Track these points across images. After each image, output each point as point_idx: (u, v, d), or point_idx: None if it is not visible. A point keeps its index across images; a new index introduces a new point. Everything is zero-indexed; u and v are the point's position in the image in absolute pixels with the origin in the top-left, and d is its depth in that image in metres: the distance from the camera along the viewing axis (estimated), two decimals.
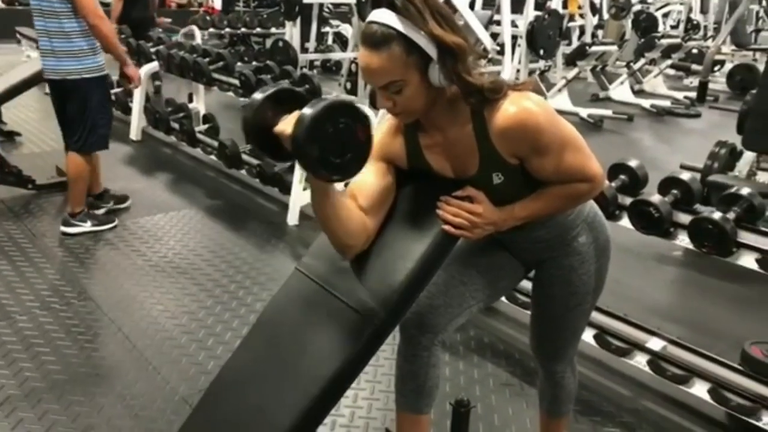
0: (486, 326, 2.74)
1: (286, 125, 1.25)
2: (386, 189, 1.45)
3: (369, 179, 1.44)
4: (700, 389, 2.20)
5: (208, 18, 9.39)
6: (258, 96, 1.31)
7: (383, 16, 1.25)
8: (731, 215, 2.26)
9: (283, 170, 4.03)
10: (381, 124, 1.52)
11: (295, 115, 1.23)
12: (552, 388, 1.78)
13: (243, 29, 9.28)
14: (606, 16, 9.87)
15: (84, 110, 3.34)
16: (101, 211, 3.70)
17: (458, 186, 1.42)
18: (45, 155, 4.84)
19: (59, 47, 3.22)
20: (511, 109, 1.30)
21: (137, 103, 5.39)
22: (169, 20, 9.51)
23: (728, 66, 9.45)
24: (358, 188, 1.43)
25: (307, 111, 1.20)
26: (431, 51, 1.26)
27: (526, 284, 2.10)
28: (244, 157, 4.33)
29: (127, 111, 5.60)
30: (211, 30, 9.24)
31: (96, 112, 3.38)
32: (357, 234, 1.39)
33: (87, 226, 3.50)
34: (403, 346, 1.56)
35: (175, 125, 4.96)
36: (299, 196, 3.81)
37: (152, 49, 5.47)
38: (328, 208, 1.34)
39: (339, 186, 1.37)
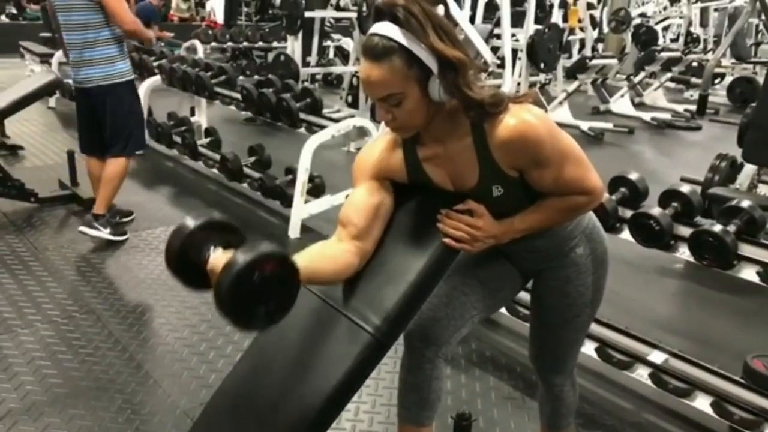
0: (488, 339, 2.74)
1: (213, 267, 1.20)
2: (380, 206, 1.45)
3: (361, 199, 1.44)
4: (702, 402, 2.19)
5: (210, 32, 9.45)
6: (189, 224, 1.26)
7: (385, 28, 1.26)
8: (732, 228, 2.26)
9: (284, 183, 4.05)
10: (378, 140, 1.52)
11: (226, 255, 1.18)
12: (551, 402, 1.77)
13: (245, 43, 9.33)
14: (606, 29, 9.94)
15: (123, 115, 3.49)
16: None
17: (458, 199, 1.42)
18: (48, 169, 4.86)
19: (89, 56, 3.35)
20: (511, 121, 1.31)
21: None
22: (171, 34, 9.59)
23: (728, 79, 9.48)
24: (351, 210, 1.43)
25: (223, 280, 1.13)
26: (432, 64, 1.27)
27: (527, 297, 2.10)
28: (246, 170, 4.35)
29: None
30: (214, 44, 9.29)
31: (131, 114, 3.55)
32: (351, 271, 1.40)
33: (105, 233, 3.52)
34: (406, 359, 1.56)
35: (177, 139, 4.99)
36: (300, 209, 3.82)
37: (155, 63, 5.51)
38: (317, 283, 1.38)
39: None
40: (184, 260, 1.26)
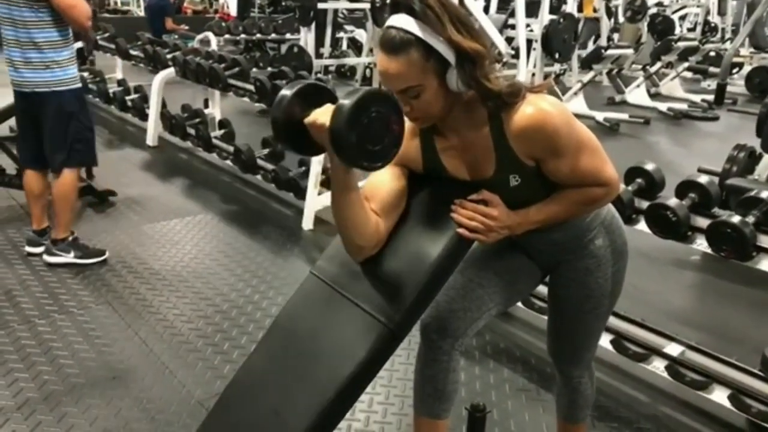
0: (502, 331, 2.73)
1: (318, 116, 1.27)
2: (399, 192, 1.45)
3: (384, 182, 1.44)
4: (719, 395, 2.18)
5: (223, 24, 9.48)
6: (287, 92, 1.32)
7: (402, 21, 1.25)
8: (750, 219, 2.23)
9: (298, 175, 4.05)
10: None
11: (327, 107, 1.26)
12: (569, 394, 1.76)
13: (258, 35, 9.34)
14: (622, 19, 9.82)
15: (64, 124, 3.07)
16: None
17: (473, 189, 1.41)
18: None
19: (28, 57, 2.96)
20: (528, 110, 1.30)
21: (153, 109, 5.44)
22: (186, 27, 9.61)
23: (747, 69, 9.36)
24: (372, 191, 1.43)
25: (345, 101, 1.21)
26: (449, 56, 1.26)
27: (542, 289, 2.09)
28: (260, 162, 4.36)
29: (144, 117, 5.66)
30: (227, 36, 9.32)
31: (73, 124, 3.09)
32: (369, 236, 1.39)
33: (69, 257, 3.19)
34: (423, 351, 1.56)
35: (191, 131, 5.00)
36: (314, 200, 3.82)
37: (168, 56, 5.52)
38: (348, 209, 1.35)
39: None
40: (291, 126, 1.32)
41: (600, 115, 6.96)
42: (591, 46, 8.98)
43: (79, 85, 3.16)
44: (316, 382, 1.36)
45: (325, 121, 1.24)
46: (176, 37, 8.54)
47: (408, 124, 1.45)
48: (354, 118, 1.21)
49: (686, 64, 8.55)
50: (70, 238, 3.24)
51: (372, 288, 1.40)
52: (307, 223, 3.83)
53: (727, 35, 10.11)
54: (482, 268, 1.58)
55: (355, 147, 1.23)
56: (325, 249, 1.57)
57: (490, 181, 1.40)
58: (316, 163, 3.76)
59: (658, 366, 2.32)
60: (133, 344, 2.56)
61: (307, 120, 1.29)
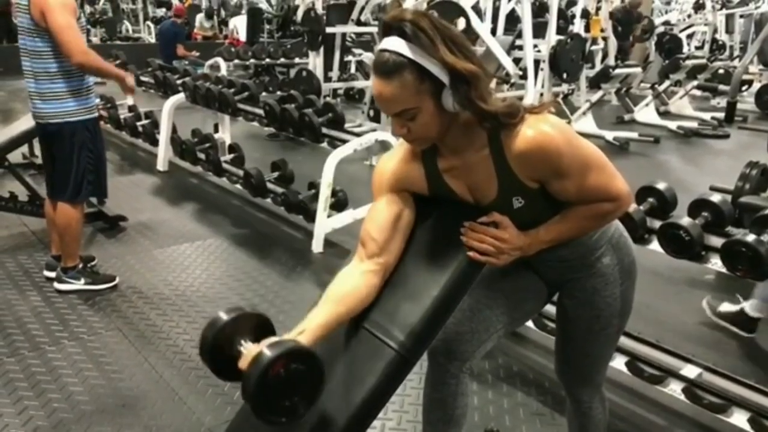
0: (515, 354, 2.69)
1: (245, 359, 1.23)
2: (400, 218, 1.43)
3: (380, 214, 1.42)
4: (739, 419, 2.13)
5: (233, 50, 9.59)
6: (222, 317, 1.30)
7: (394, 44, 1.25)
8: (765, 237, 2.20)
9: (307, 198, 4.05)
10: (395, 151, 1.50)
11: (256, 349, 1.22)
12: (579, 419, 1.73)
13: (267, 60, 9.44)
14: (629, 38, 9.84)
15: (70, 157, 3.03)
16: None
17: (483, 211, 1.40)
18: None
19: (40, 88, 2.94)
20: (528, 132, 1.28)
21: (164, 134, 5.48)
22: (197, 53, 9.72)
23: (756, 86, 9.33)
24: (371, 226, 1.42)
25: (263, 357, 1.18)
26: (443, 77, 1.25)
27: (554, 310, 2.06)
28: (269, 185, 4.37)
29: (154, 142, 5.70)
30: (236, 61, 9.42)
31: (82, 157, 3.05)
32: (375, 294, 1.39)
33: (80, 284, 3.18)
34: (431, 374, 1.54)
35: (202, 155, 5.03)
36: (324, 223, 3.82)
37: (179, 81, 5.57)
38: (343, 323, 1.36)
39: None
40: (217, 352, 1.30)
41: (609, 135, 6.95)
42: (599, 66, 9.01)
43: (94, 115, 3.12)
44: (328, 408, 1.34)
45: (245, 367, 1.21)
46: (186, 63, 8.64)
47: (407, 146, 1.45)
48: (264, 380, 1.17)
49: (695, 83, 8.53)
50: (80, 266, 3.23)
51: (382, 313, 1.38)
52: (317, 246, 3.82)
53: (736, 53, 10.11)
54: (490, 288, 1.57)
55: (269, 414, 1.21)
56: (335, 272, 1.55)
57: (493, 203, 1.39)
58: (326, 185, 3.76)
59: (674, 388, 2.28)
60: (143, 370, 2.55)
61: (240, 364, 1.25)
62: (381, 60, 1.25)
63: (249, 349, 1.25)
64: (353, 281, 1.38)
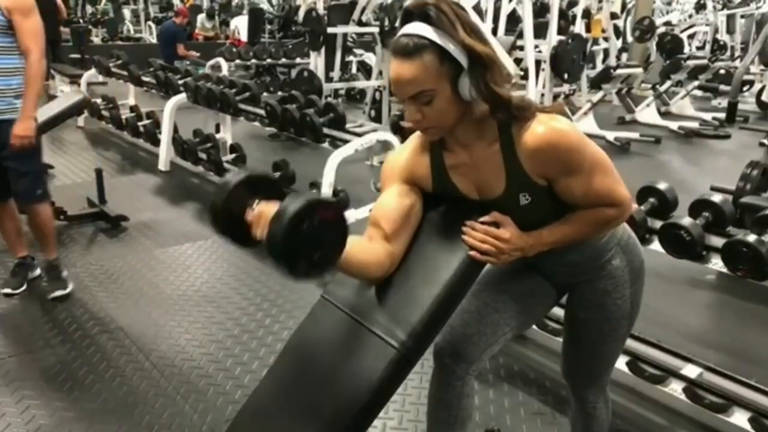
0: (516, 354, 2.69)
1: (259, 217, 1.24)
2: (409, 209, 1.43)
3: (391, 201, 1.43)
4: (740, 418, 2.13)
5: (234, 50, 9.59)
6: (231, 180, 1.30)
7: (416, 28, 1.26)
8: (766, 237, 2.20)
9: None
10: (406, 144, 1.51)
11: (270, 206, 1.22)
12: (583, 419, 1.73)
13: (268, 60, 9.44)
14: (630, 38, 9.84)
15: (33, 154, 2.95)
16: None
17: (484, 209, 1.40)
18: (76, 187, 4.94)
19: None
20: (540, 129, 1.29)
21: (165, 134, 5.49)
22: (197, 53, 9.73)
23: (757, 86, 9.32)
24: (380, 213, 1.43)
25: (284, 210, 1.16)
26: (462, 60, 1.26)
27: (556, 311, 2.06)
28: None
29: (156, 142, 5.70)
30: (238, 62, 9.42)
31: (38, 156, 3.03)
32: (380, 270, 1.39)
33: (70, 287, 3.19)
34: (436, 376, 1.54)
35: (203, 155, 5.03)
36: None
37: (180, 81, 5.58)
38: (346, 269, 1.34)
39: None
40: (229, 217, 1.28)
41: (610, 135, 6.95)
42: (600, 66, 9.01)
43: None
44: (329, 407, 1.34)
45: (265, 225, 1.20)
46: (188, 63, 8.64)
47: (418, 140, 1.45)
48: (291, 229, 1.15)
49: (696, 83, 8.53)
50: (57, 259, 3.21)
51: (384, 312, 1.39)
52: None
53: (737, 53, 10.10)
54: (498, 291, 1.57)
55: (291, 258, 1.18)
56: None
57: (500, 199, 1.39)
58: (327, 185, 3.76)
59: (675, 388, 2.28)
60: (144, 370, 2.55)
61: (250, 217, 1.27)
62: (401, 44, 1.26)
63: (263, 207, 1.25)
64: (365, 244, 1.40)
